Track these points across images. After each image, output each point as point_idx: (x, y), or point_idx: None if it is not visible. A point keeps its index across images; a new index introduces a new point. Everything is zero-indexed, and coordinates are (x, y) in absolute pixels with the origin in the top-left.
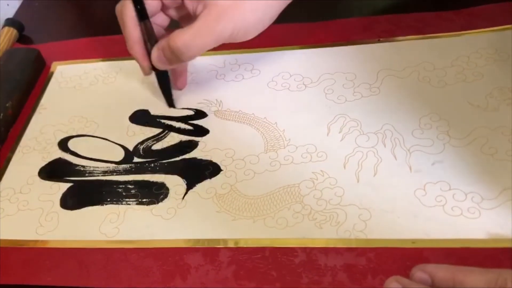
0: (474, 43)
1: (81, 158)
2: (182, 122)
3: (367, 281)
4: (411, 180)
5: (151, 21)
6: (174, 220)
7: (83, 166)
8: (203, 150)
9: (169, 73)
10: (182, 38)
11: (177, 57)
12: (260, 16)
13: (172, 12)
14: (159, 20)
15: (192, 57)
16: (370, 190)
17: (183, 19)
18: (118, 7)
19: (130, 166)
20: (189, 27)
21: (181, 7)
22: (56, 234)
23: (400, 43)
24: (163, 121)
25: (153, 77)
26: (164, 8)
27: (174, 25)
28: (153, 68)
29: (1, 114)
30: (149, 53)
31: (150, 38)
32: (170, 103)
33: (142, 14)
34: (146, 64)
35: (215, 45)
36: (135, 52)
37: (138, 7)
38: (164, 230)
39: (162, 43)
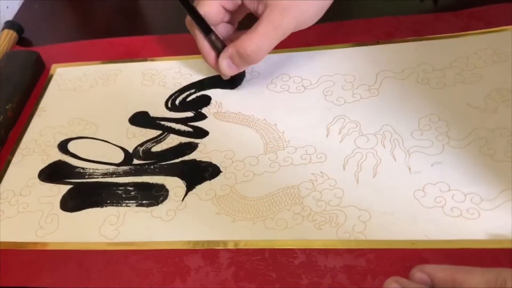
0: (472, 45)
1: (80, 160)
2: (182, 124)
3: (367, 282)
4: (410, 181)
5: (217, 30)
6: (174, 222)
7: (83, 168)
8: (203, 152)
9: None
10: (252, 44)
11: (247, 62)
12: (319, 7)
13: (232, 17)
14: (222, 29)
15: (261, 59)
16: (369, 191)
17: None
18: (187, 21)
19: (129, 168)
20: (254, 30)
21: (241, 9)
22: (56, 236)
23: (399, 44)
24: (162, 123)
25: (150, 78)
26: (226, 14)
27: None
28: None
29: (1, 117)
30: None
31: (218, 48)
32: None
33: (205, 30)
34: (216, 67)
35: (280, 41)
36: (209, 62)
37: (201, 25)
38: (163, 232)
39: (229, 51)
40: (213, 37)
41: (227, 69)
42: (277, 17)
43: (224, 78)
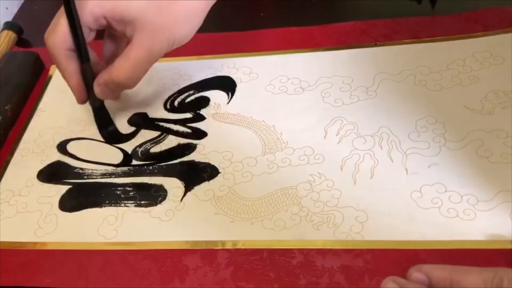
0: (469, 47)
1: (79, 161)
2: (180, 125)
3: (364, 282)
4: (407, 182)
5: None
6: (173, 222)
7: (82, 169)
8: (201, 153)
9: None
10: (124, 71)
11: (122, 88)
12: (191, 25)
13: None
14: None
15: (137, 83)
16: (367, 192)
17: (110, 38)
18: (48, 39)
19: (128, 169)
20: (126, 56)
21: (113, 31)
22: (55, 236)
23: (396, 47)
24: (161, 124)
25: (149, 79)
26: (91, 33)
27: None
28: (89, 101)
29: (0, 117)
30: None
31: (90, 77)
32: (110, 136)
33: (84, 57)
34: (82, 96)
35: (154, 63)
36: (72, 84)
37: (81, 51)
38: (162, 232)
39: (103, 77)
40: (88, 65)
41: (102, 95)
42: (147, 42)
43: (80, 103)
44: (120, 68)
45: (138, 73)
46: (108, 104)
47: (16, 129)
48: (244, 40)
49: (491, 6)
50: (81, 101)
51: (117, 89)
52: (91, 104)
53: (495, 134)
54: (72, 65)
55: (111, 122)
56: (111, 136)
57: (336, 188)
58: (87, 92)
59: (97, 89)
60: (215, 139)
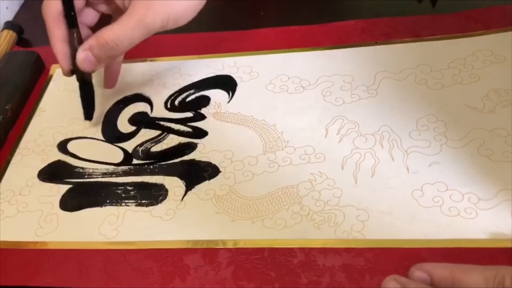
0: (470, 46)
1: (80, 160)
2: (181, 124)
3: (365, 281)
4: (408, 181)
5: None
6: (173, 221)
7: (82, 168)
8: (202, 152)
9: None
10: (111, 32)
11: (107, 53)
12: (190, 5)
13: (102, 7)
14: (87, 18)
15: (123, 51)
16: (368, 191)
17: (114, 14)
18: (43, 3)
19: (129, 168)
20: (116, 22)
21: (110, 1)
22: (56, 235)
23: (397, 45)
24: (162, 123)
25: (150, 78)
26: (91, 4)
27: None
28: (76, 73)
29: (1, 117)
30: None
31: (78, 45)
32: (89, 115)
33: (72, 22)
34: (65, 63)
35: (146, 37)
36: (56, 50)
37: (71, 13)
38: (163, 231)
39: (88, 42)
40: (77, 31)
41: (84, 63)
42: (140, 11)
43: (65, 75)
44: (107, 30)
45: (125, 37)
46: (109, 104)
47: (16, 129)
48: (244, 39)
49: (491, 5)
50: (66, 71)
51: (102, 54)
52: (77, 76)
53: (496, 133)
54: (59, 31)
55: (93, 103)
56: (89, 117)
57: (337, 187)
58: (73, 62)
59: (80, 55)
60: (216, 138)
